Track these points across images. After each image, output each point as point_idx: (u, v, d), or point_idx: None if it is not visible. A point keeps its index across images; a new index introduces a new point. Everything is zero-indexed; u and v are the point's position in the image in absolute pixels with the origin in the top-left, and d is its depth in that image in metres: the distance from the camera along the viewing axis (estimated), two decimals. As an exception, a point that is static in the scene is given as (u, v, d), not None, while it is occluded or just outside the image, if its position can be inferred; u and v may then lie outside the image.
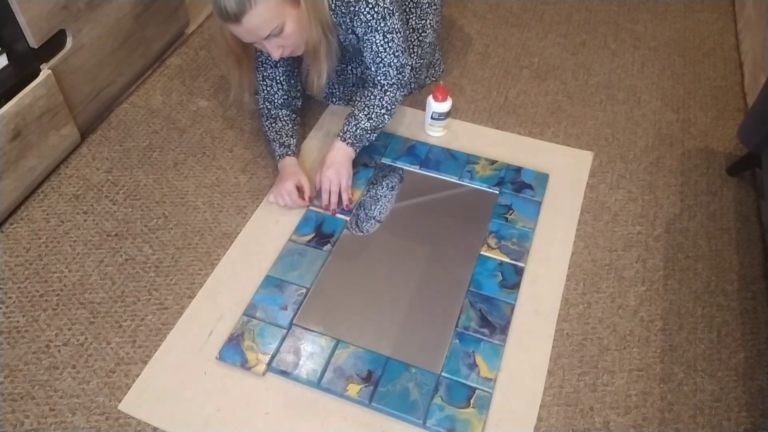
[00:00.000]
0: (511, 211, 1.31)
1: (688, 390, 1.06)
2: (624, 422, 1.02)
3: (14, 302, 1.16)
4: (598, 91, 1.63)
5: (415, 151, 1.43)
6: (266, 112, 1.39)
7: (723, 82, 1.65)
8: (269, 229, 1.28)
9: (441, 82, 1.48)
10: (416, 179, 1.39)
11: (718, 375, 1.08)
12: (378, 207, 1.33)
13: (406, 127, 1.50)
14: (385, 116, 1.34)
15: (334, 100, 1.54)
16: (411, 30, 1.46)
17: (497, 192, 1.35)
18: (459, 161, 1.41)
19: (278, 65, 1.35)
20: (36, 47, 1.25)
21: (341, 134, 1.31)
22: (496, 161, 1.41)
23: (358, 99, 1.36)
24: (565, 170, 1.41)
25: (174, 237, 1.27)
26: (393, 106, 1.35)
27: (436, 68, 1.63)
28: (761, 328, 1.14)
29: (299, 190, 1.30)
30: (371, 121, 1.32)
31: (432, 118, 1.44)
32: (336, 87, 1.50)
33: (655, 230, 1.30)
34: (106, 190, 1.35)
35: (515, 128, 1.52)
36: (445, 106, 1.42)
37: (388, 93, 1.33)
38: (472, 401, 1.02)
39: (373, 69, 1.32)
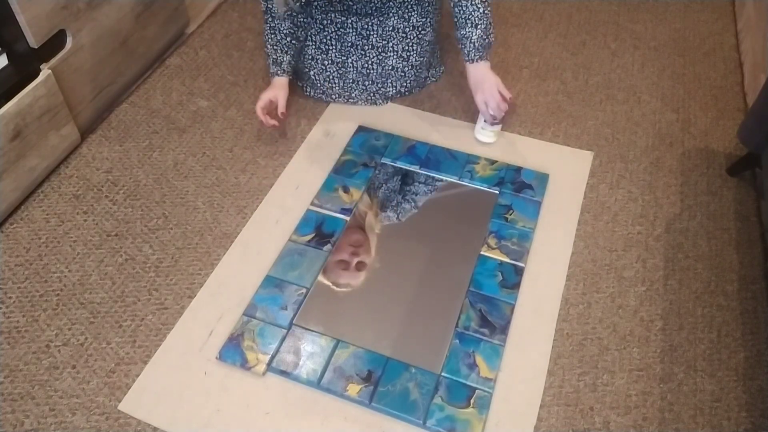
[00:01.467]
0: (511, 211, 1.31)
1: (688, 390, 1.06)
2: (624, 422, 1.02)
3: (14, 302, 1.16)
4: (598, 91, 1.63)
5: (415, 151, 1.43)
6: (269, 21, 1.41)
7: (723, 82, 1.65)
8: (269, 229, 1.28)
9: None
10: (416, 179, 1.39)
11: (718, 375, 1.08)
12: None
13: (407, 127, 1.50)
14: (484, 8, 1.33)
15: (334, 97, 1.54)
16: (411, 27, 1.46)
17: (497, 192, 1.35)
18: (459, 161, 1.41)
19: None
20: (36, 47, 1.25)
21: (466, 58, 1.37)
22: (496, 161, 1.41)
23: (456, 16, 1.36)
24: (565, 170, 1.41)
25: (174, 237, 1.27)
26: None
27: (437, 68, 1.63)
28: (761, 328, 1.14)
29: (272, 105, 1.39)
30: (479, 25, 1.33)
31: (485, 121, 1.42)
32: (335, 82, 1.51)
33: (655, 230, 1.30)
34: (106, 190, 1.35)
35: (515, 128, 1.52)
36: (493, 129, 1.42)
37: None
38: (472, 401, 1.03)
39: None
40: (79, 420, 1.01)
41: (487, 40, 1.36)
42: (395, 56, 1.48)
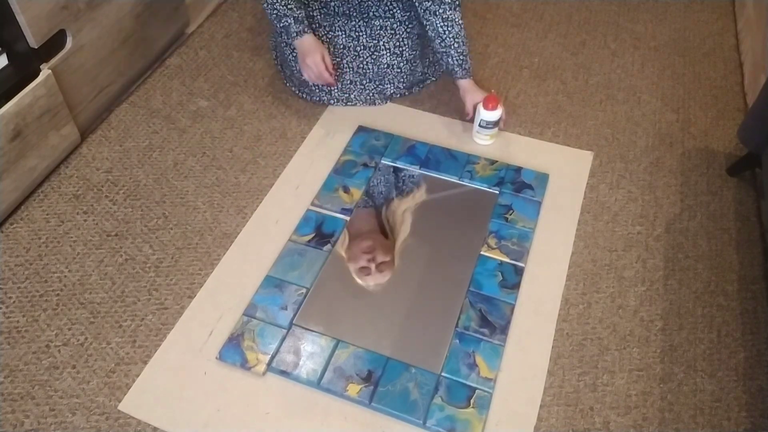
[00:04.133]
0: (511, 211, 1.31)
1: (688, 390, 1.06)
2: (624, 422, 1.02)
3: (14, 302, 1.16)
4: (598, 91, 1.63)
5: (415, 151, 1.43)
6: None
7: (723, 82, 1.65)
8: (269, 229, 1.28)
9: (493, 90, 1.49)
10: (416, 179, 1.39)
11: (718, 375, 1.08)
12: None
13: (407, 127, 1.50)
14: (458, 29, 1.38)
15: (333, 101, 1.54)
16: (398, 23, 1.46)
17: (497, 192, 1.35)
18: (459, 161, 1.41)
19: None
20: (36, 47, 1.25)
21: (451, 74, 1.44)
22: (496, 161, 1.41)
23: (428, 30, 1.40)
24: (565, 170, 1.41)
25: (174, 237, 1.27)
26: (457, 13, 1.38)
27: (436, 67, 1.62)
28: (761, 328, 1.14)
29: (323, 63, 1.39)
30: (452, 46, 1.39)
31: (480, 125, 1.43)
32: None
33: (655, 230, 1.30)
34: (106, 190, 1.35)
35: (515, 128, 1.52)
36: (493, 114, 1.41)
37: (444, 10, 1.37)
38: (472, 401, 1.02)
39: None
40: (79, 420, 1.01)
41: (465, 61, 1.42)
42: (388, 54, 1.48)
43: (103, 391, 1.04)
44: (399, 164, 1.41)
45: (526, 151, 1.45)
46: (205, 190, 1.36)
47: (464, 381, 1.05)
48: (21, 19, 1.19)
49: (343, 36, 1.46)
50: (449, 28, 1.38)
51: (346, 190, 1.35)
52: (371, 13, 1.45)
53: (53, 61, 1.31)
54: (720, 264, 1.24)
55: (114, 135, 1.48)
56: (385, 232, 1.28)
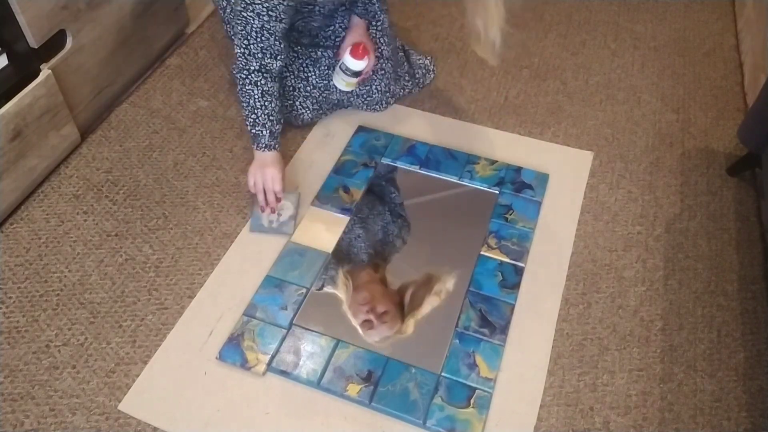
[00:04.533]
0: (511, 211, 1.31)
1: (688, 390, 1.06)
2: (624, 422, 1.02)
3: (14, 302, 1.16)
4: (598, 91, 1.63)
5: (415, 151, 1.43)
6: (260, 84, 1.22)
7: (723, 82, 1.65)
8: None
9: (362, 42, 1.33)
10: (416, 179, 1.39)
11: (718, 375, 1.08)
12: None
13: (407, 127, 1.50)
14: None
15: (327, 115, 1.52)
16: (366, 12, 1.40)
17: (497, 192, 1.35)
18: (459, 161, 1.41)
19: (285, 10, 1.17)
20: (36, 47, 1.25)
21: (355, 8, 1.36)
22: (496, 161, 1.41)
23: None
24: (565, 170, 1.41)
25: (174, 237, 1.27)
26: None
27: (429, 61, 1.62)
28: (761, 328, 1.14)
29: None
30: None
31: (340, 68, 1.34)
32: (323, 102, 1.46)
33: (655, 230, 1.30)
34: (106, 190, 1.35)
35: (515, 128, 1.52)
36: (356, 64, 1.31)
37: None
38: (472, 401, 1.03)
39: None
40: (79, 420, 1.01)
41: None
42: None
43: (103, 391, 1.04)
44: (399, 164, 1.41)
45: (526, 151, 1.45)
46: (205, 190, 1.36)
47: (464, 381, 1.05)
48: (21, 19, 1.19)
49: (326, 59, 1.40)
50: None
51: (346, 190, 1.35)
52: (319, 53, 1.40)
53: (53, 61, 1.31)
54: (720, 264, 1.24)
55: (114, 135, 1.48)
56: (384, 281, 1.21)
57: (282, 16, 1.17)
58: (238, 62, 1.22)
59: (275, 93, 1.24)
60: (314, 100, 1.43)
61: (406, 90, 1.57)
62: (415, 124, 1.51)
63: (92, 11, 1.37)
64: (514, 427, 1.01)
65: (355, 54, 1.29)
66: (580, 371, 1.08)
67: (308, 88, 1.42)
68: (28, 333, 1.11)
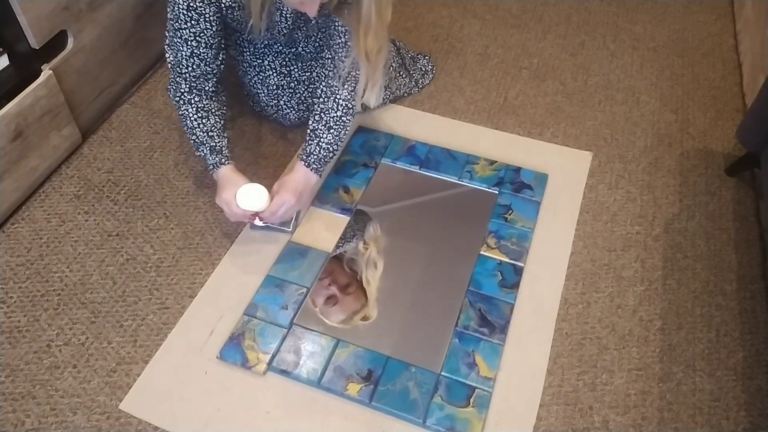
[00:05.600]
0: (511, 211, 1.31)
1: (687, 389, 1.07)
2: (623, 421, 1.03)
3: (15, 302, 1.16)
4: (597, 92, 1.63)
5: (415, 151, 1.44)
6: (194, 101, 1.20)
7: (722, 83, 1.65)
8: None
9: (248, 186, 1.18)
10: (416, 179, 1.40)
11: (717, 374, 1.08)
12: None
13: (406, 128, 1.50)
14: (342, 113, 1.22)
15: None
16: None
17: (496, 192, 1.35)
18: (458, 161, 1.41)
19: (214, 35, 1.15)
20: (37, 48, 1.25)
21: (303, 158, 1.21)
22: (496, 161, 1.42)
23: (315, 102, 1.24)
24: (564, 170, 1.41)
25: (175, 237, 1.27)
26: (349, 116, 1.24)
27: (427, 61, 1.63)
28: (760, 327, 1.15)
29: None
30: (332, 130, 1.21)
31: (259, 218, 1.22)
32: (308, 105, 1.44)
33: (653, 230, 1.31)
34: (108, 190, 1.36)
35: (514, 128, 1.52)
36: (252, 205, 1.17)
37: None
38: (471, 400, 1.03)
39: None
40: (80, 419, 1.01)
41: (329, 154, 1.22)
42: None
43: (104, 391, 1.05)
44: (399, 164, 1.41)
45: (525, 152, 1.46)
46: (206, 190, 1.36)
47: (464, 380, 1.05)
48: (22, 19, 1.20)
49: (275, 75, 1.37)
50: (334, 112, 1.21)
51: (346, 190, 1.35)
52: (299, 48, 1.33)
53: (54, 61, 1.31)
54: (719, 264, 1.25)
55: (115, 135, 1.48)
56: (342, 260, 1.22)
57: (211, 41, 1.16)
58: (170, 87, 1.21)
59: (212, 109, 1.22)
60: (299, 99, 1.41)
61: (405, 90, 1.57)
62: (415, 125, 1.51)
63: (93, 12, 1.37)
64: (514, 426, 1.02)
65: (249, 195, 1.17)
66: (579, 370, 1.09)
67: (292, 84, 1.39)
68: (29, 332, 1.12)
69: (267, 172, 1.40)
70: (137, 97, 1.58)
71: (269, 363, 1.07)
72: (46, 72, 1.29)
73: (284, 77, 1.39)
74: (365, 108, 1.34)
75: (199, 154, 1.21)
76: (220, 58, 1.22)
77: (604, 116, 1.56)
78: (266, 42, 1.31)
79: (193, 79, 1.19)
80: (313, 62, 1.37)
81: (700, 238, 1.29)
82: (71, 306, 1.16)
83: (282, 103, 1.41)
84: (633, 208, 1.35)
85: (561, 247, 1.27)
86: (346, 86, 1.22)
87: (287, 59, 1.37)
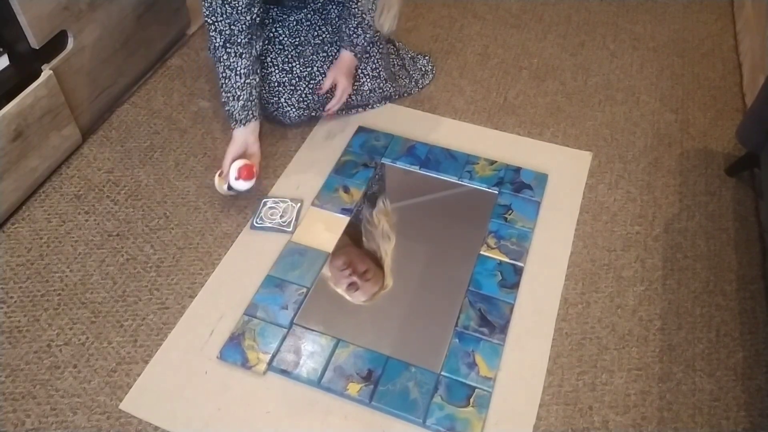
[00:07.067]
0: (511, 211, 1.31)
1: (686, 389, 1.07)
2: (623, 421, 1.03)
3: (16, 302, 1.16)
4: (597, 92, 1.63)
5: (415, 151, 1.44)
6: (222, 57, 1.25)
7: (722, 83, 1.65)
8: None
9: (244, 162, 1.26)
10: (416, 179, 1.40)
11: (717, 374, 1.08)
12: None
13: (406, 128, 1.50)
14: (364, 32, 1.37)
15: (315, 113, 1.50)
16: (329, 45, 1.43)
17: (496, 192, 1.36)
18: (458, 161, 1.41)
19: None
20: (37, 48, 1.25)
21: (350, 47, 1.39)
22: (496, 161, 1.42)
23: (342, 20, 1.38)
24: (564, 170, 1.42)
25: (175, 237, 1.28)
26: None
27: (427, 61, 1.62)
28: (760, 327, 1.15)
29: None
30: (364, 35, 1.38)
31: (227, 188, 1.28)
32: (310, 98, 1.44)
33: (653, 230, 1.31)
34: (108, 190, 1.36)
35: (514, 128, 1.52)
36: (242, 185, 1.27)
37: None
38: (471, 400, 1.03)
39: None
40: (80, 419, 1.01)
41: (368, 42, 1.41)
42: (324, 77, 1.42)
43: (105, 391, 1.05)
44: (399, 164, 1.41)
45: (525, 152, 1.46)
46: (206, 190, 1.37)
47: (464, 380, 1.05)
48: (22, 19, 1.20)
49: (276, 72, 1.40)
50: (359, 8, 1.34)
51: (347, 190, 1.35)
52: (301, 38, 1.41)
53: (54, 61, 1.31)
54: (718, 264, 1.25)
55: (115, 135, 1.48)
56: (359, 242, 1.27)
57: None
58: (208, 44, 1.27)
59: (239, 69, 1.27)
60: (300, 96, 1.42)
61: (405, 90, 1.57)
62: (415, 125, 1.52)
63: (93, 12, 1.37)
64: (514, 425, 1.02)
65: (240, 175, 1.25)
66: (579, 370, 1.09)
67: (293, 81, 1.40)
68: (29, 332, 1.12)
69: (267, 172, 1.40)
70: (137, 97, 1.58)
71: (269, 363, 1.07)
72: (47, 72, 1.29)
73: (286, 74, 1.40)
74: (377, 33, 1.41)
75: (225, 109, 1.29)
76: (254, 12, 1.25)
77: (604, 116, 1.56)
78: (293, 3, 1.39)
79: (227, 32, 1.23)
80: (325, 27, 1.43)
81: (700, 238, 1.29)
82: (71, 306, 1.16)
83: (282, 100, 1.41)
84: (633, 208, 1.35)
85: (561, 247, 1.27)
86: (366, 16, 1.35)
87: (290, 56, 1.39)
